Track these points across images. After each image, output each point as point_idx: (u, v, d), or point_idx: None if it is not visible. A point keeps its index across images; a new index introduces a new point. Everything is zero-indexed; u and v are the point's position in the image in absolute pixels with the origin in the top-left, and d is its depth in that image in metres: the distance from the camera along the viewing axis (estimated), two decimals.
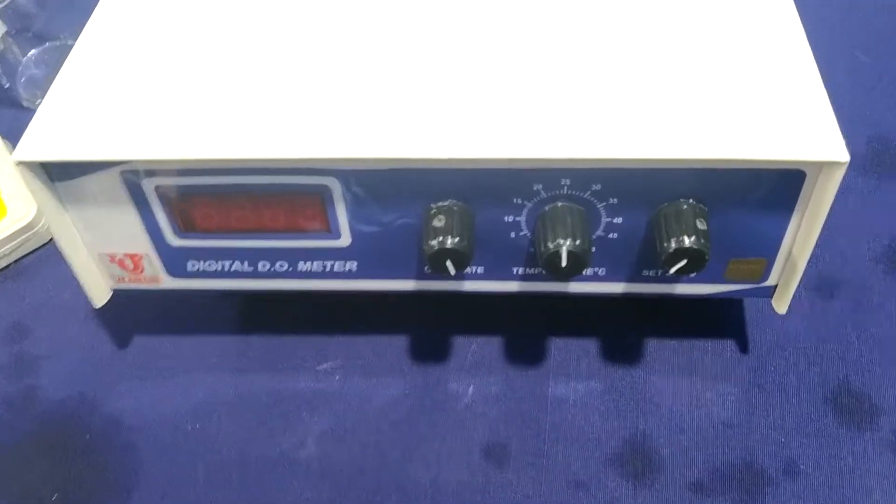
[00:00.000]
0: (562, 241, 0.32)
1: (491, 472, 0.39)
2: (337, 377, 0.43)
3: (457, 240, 0.33)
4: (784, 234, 0.34)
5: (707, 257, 0.32)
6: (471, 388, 0.42)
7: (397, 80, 0.34)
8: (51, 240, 0.49)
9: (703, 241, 0.32)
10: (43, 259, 0.49)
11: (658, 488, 0.38)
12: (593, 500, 0.38)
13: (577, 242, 0.32)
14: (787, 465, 0.39)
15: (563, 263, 0.32)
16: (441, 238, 0.33)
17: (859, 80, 0.54)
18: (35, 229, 0.48)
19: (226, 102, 0.34)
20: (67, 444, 0.41)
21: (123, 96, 0.35)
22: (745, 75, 0.34)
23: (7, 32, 0.53)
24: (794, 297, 0.37)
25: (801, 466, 0.39)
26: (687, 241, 0.32)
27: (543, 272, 0.34)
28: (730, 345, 0.42)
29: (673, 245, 0.32)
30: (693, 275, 0.33)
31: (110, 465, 0.41)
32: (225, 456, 0.40)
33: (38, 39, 0.53)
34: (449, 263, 0.33)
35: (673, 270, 0.33)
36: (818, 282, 0.44)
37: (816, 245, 0.34)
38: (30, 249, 0.49)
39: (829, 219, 0.33)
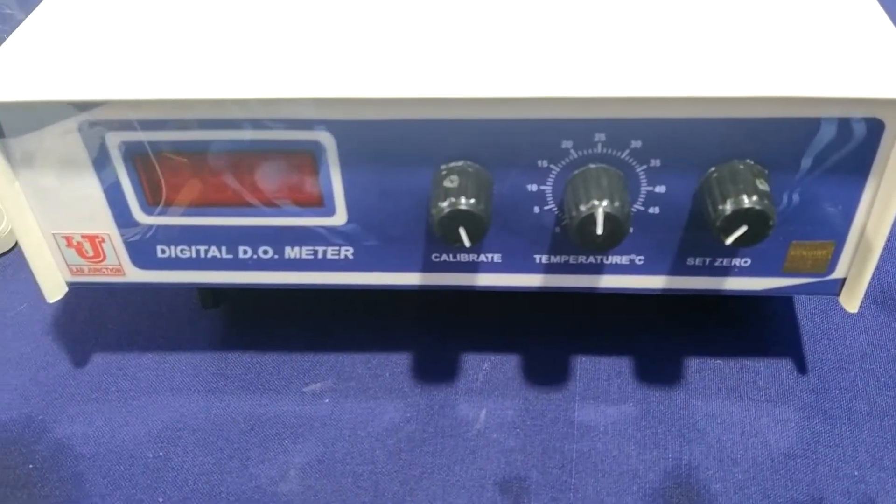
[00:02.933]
0: (597, 203, 0.27)
1: None
2: (326, 400, 0.37)
3: (472, 201, 0.28)
4: (857, 206, 0.29)
5: (772, 222, 0.27)
6: (483, 413, 0.36)
7: (406, 16, 0.30)
8: (10, 250, 0.44)
9: (766, 201, 0.27)
10: (0, 270, 0.44)
11: None
12: None
13: (616, 204, 0.27)
14: (864, 503, 0.32)
15: (600, 229, 0.27)
16: (453, 199, 0.28)
17: None
18: None
19: (203, 45, 0.30)
20: (6, 475, 0.35)
21: (88, 41, 0.30)
22: (805, 11, 0.30)
23: None
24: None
25: None
26: (747, 201, 0.27)
27: (573, 246, 0.29)
28: (785, 364, 0.37)
29: (730, 207, 0.27)
30: (753, 246, 0.28)
31: (53, 501, 0.34)
32: (190, 490, 0.35)
33: None
34: (462, 231, 0.28)
35: (730, 240, 0.27)
36: (881, 294, 0.39)
37: None
38: None
39: None
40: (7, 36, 0.52)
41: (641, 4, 0.31)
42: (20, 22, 0.54)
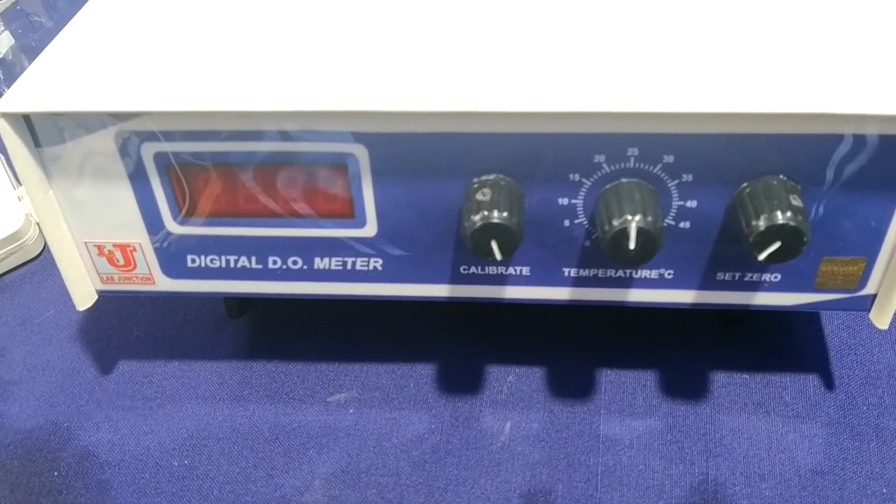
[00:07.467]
0: (630, 217, 0.27)
1: None
2: (351, 410, 0.37)
3: (504, 214, 0.28)
4: (889, 223, 0.29)
5: (806, 238, 0.27)
6: (508, 425, 0.36)
7: (439, 30, 0.31)
8: (37, 256, 0.44)
9: (800, 217, 0.27)
10: (27, 277, 0.44)
11: None
12: None
13: (649, 219, 0.27)
14: None
15: (633, 244, 0.27)
16: (486, 212, 0.28)
17: None
18: (21, 241, 0.43)
19: (238, 58, 0.30)
20: (32, 482, 0.35)
21: (125, 52, 0.31)
22: (836, 26, 0.30)
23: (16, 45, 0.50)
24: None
25: None
26: (781, 217, 0.27)
27: (602, 260, 0.29)
28: (812, 379, 0.36)
29: (764, 223, 0.27)
30: (786, 262, 0.28)
31: None
32: (215, 499, 0.35)
33: None
34: (494, 245, 0.28)
35: (763, 256, 0.27)
36: None
37: None
38: (14, 265, 0.44)
39: None
40: (35, 43, 0.53)
41: (674, 22, 0.31)
42: (48, 29, 0.55)
